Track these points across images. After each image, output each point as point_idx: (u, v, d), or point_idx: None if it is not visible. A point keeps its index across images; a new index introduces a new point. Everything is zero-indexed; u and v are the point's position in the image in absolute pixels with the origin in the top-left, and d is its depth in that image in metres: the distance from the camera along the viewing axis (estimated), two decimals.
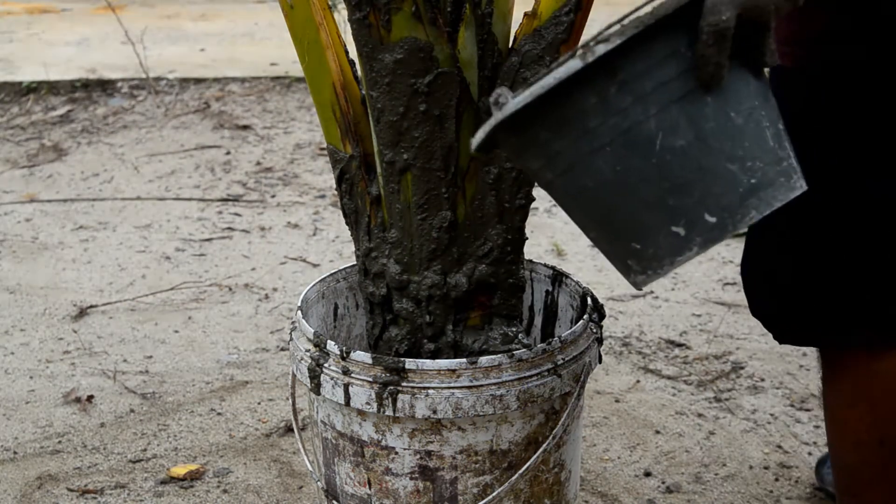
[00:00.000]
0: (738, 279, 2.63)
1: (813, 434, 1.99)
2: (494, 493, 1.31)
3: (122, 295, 2.65)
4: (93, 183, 3.44)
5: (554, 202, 3.16)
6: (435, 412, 1.26)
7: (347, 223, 1.43)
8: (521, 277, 1.38)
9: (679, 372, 2.21)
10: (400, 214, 1.34)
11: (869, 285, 1.30)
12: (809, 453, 1.93)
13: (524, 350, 1.29)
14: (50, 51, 4.79)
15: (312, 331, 1.35)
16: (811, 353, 2.27)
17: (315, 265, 2.80)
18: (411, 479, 1.31)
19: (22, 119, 4.07)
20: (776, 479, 1.86)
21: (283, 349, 2.36)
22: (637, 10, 1.00)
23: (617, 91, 0.95)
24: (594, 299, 1.43)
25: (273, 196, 3.29)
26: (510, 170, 1.33)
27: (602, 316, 1.42)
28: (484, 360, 1.27)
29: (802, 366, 2.22)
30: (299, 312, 1.41)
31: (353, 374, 1.29)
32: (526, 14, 1.30)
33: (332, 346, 1.32)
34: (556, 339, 1.32)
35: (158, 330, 2.47)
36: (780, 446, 1.96)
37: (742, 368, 2.23)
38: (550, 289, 1.55)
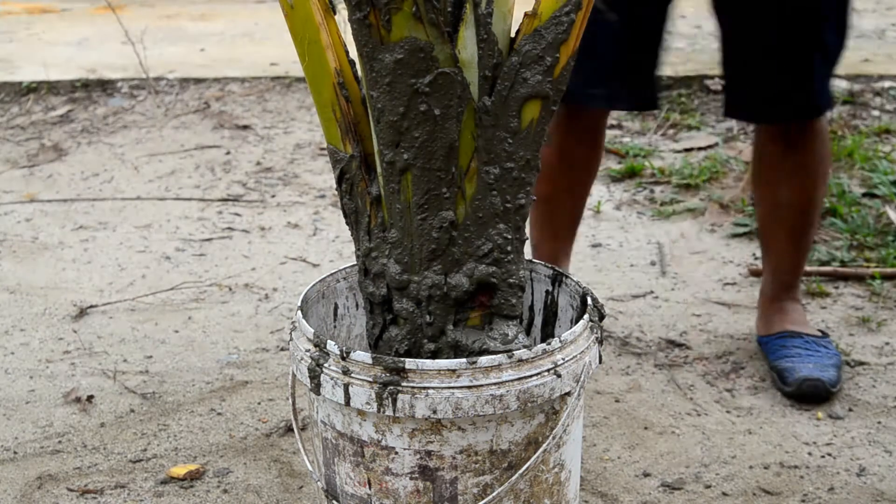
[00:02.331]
0: (739, 279, 2.63)
1: (813, 434, 1.99)
2: (494, 493, 1.31)
3: (122, 295, 2.65)
4: (93, 183, 3.44)
5: None
6: (435, 412, 1.26)
7: (347, 223, 1.43)
8: (522, 277, 1.38)
9: (679, 372, 2.22)
10: (400, 214, 1.34)
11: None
12: (809, 453, 1.93)
13: (524, 350, 1.29)
14: (50, 51, 4.79)
15: (312, 331, 1.35)
16: None
17: (315, 265, 2.80)
18: (411, 479, 1.31)
19: (22, 119, 4.07)
20: (776, 479, 1.86)
21: (283, 349, 2.36)
22: None
23: None
24: (594, 299, 1.43)
25: (273, 196, 3.29)
26: (510, 169, 1.33)
27: (602, 316, 1.42)
28: (484, 360, 1.27)
29: None
30: (299, 312, 1.41)
31: (353, 374, 1.29)
32: (526, 14, 1.30)
33: (332, 346, 1.32)
34: (556, 339, 1.32)
35: (158, 330, 2.47)
36: (780, 446, 1.96)
37: (742, 368, 2.23)
38: (550, 289, 1.55)
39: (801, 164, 2.15)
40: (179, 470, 1.91)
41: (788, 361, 2.15)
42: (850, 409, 2.07)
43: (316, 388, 1.33)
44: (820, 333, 2.25)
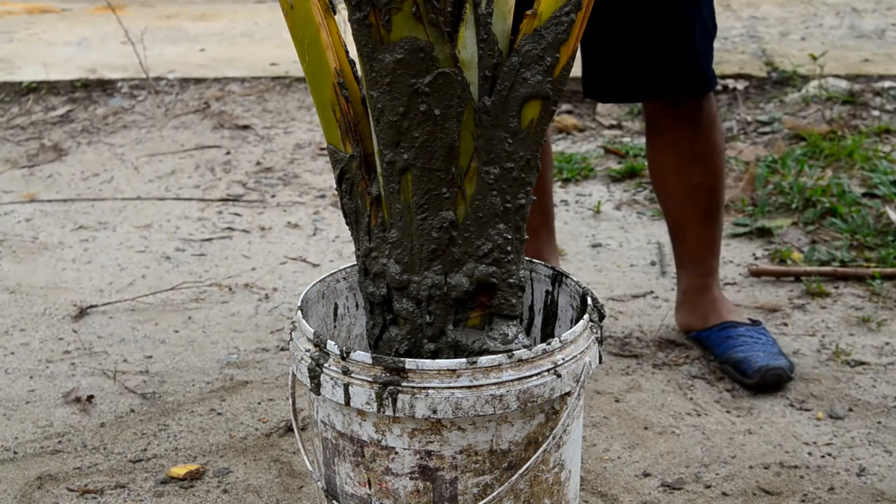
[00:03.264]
0: (738, 279, 2.63)
1: (813, 434, 1.99)
2: (494, 493, 1.31)
3: (122, 295, 2.65)
4: (93, 183, 3.44)
5: (554, 202, 3.16)
6: (435, 412, 1.26)
7: (347, 223, 1.43)
8: (521, 277, 1.38)
9: (678, 372, 2.22)
10: (400, 214, 1.34)
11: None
12: (809, 453, 1.93)
13: (524, 350, 1.29)
14: (50, 51, 4.79)
15: (312, 331, 1.35)
16: (810, 354, 2.27)
17: (315, 265, 2.80)
18: (411, 479, 1.31)
19: (22, 119, 4.07)
20: (776, 479, 1.86)
21: (283, 349, 2.36)
22: None
23: None
24: (594, 299, 1.43)
25: (273, 196, 3.29)
26: (510, 169, 1.33)
27: (602, 316, 1.42)
28: (484, 360, 1.27)
29: (803, 366, 2.23)
30: (299, 312, 1.41)
31: (353, 374, 1.29)
32: (526, 14, 1.30)
33: (332, 346, 1.32)
34: (556, 339, 1.32)
35: (158, 330, 2.47)
36: (780, 446, 1.96)
37: None
38: (550, 289, 1.55)
39: (707, 146, 2.14)
40: (179, 470, 1.91)
41: (741, 352, 2.15)
42: (850, 409, 2.07)
43: (316, 388, 1.33)
44: (750, 321, 2.26)
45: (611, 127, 3.81)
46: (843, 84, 3.88)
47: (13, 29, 5.29)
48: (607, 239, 2.92)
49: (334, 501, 1.39)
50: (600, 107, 3.94)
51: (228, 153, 3.67)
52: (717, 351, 2.21)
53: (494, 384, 1.27)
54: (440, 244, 1.33)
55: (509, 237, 1.35)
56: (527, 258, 1.51)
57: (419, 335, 1.38)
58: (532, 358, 1.29)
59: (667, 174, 2.21)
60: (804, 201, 2.97)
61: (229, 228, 3.06)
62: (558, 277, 1.54)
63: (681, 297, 2.32)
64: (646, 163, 3.35)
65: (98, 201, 3.28)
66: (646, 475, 1.88)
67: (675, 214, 2.25)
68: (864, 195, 3.02)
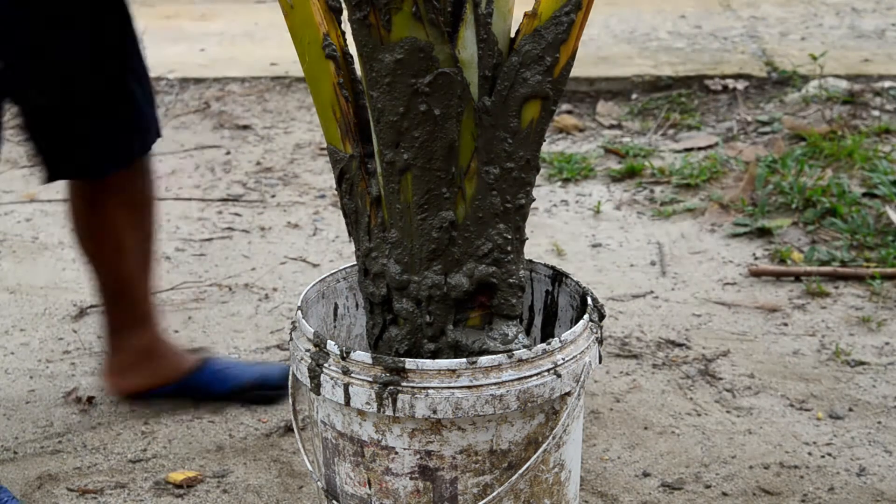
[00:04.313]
0: (739, 279, 2.63)
1: (813, 434, 2.00)
2: (494, 493, 1.31)
3: None
4: None
5: (554, 202, 3.16)
6: (435, 412, 1.26)
7: (347, 223, 1.43)
8: (521, 277, 1.38)
9: (678, 372, 2.22)
10: (400, 214, 1.34)
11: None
12: (809, 453, 1.93)
13: (524, 350, 1.29)
14: None
15: (312, 331, 1.35)
16: (811, 354, 2.27)
17: (315, 265, 2.80)
18: (411, 478, 1.31)
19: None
20: (776, 479, 1.86)
21: (283, 349, 2.36)
22: None
23: None
24: (594, 299, 1.43)
25: (273, 196, 3.29)
26: (510, 169, 1.33)
27: (602, 316, 1.42)
28: (484, 360, 1.27)
29: (803, 366, 2.23)
30: (299, 312, 1.41)
31: (352, 374, 1.29)
32: (526, 14, 1.30)
33: (332, 346, 1.32)
34: (556, 339, 1.32)
35: None
36: (780, 446, 1.96)
37: (742, 368, 2.23)
38: (550, 289, 1.55)
39: (152, 187, 2.10)
40: (178, 476, 1.90)
41: (250, 372, 2.11)
42: (850, 409, 2.07)
43: (316, 388, 1.33)
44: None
45: (611, 127, 3.81)
46: (843, 84, 3.88)
47: None
48: (607, 239, 2.92)
49: (334, 501, 1.39)
50: (600, 106, 3.95)
51: (228, 153, 3.67)
52: (223, 386, 2.11)
53: (494, 384, 1.27)
54: (440, 244, 1.33)
55: (509, 237, 1.35)
56: (527, 258, 1.51)
57: (419, 335, 1.38)
58: (532, 358, 1.29)
59: (123, 232, 2.06)
60: (804, 201, 2.97)
61: (229, 228, 3.06)
62: (558, 277, 1.54)
63: (134, 358, 2.11)
64: (645, 163, 3.36)
65: None
66: (646, 475, 1.88)
67: (125, 272, 2.10)
68: (864, 195, 3.02)
